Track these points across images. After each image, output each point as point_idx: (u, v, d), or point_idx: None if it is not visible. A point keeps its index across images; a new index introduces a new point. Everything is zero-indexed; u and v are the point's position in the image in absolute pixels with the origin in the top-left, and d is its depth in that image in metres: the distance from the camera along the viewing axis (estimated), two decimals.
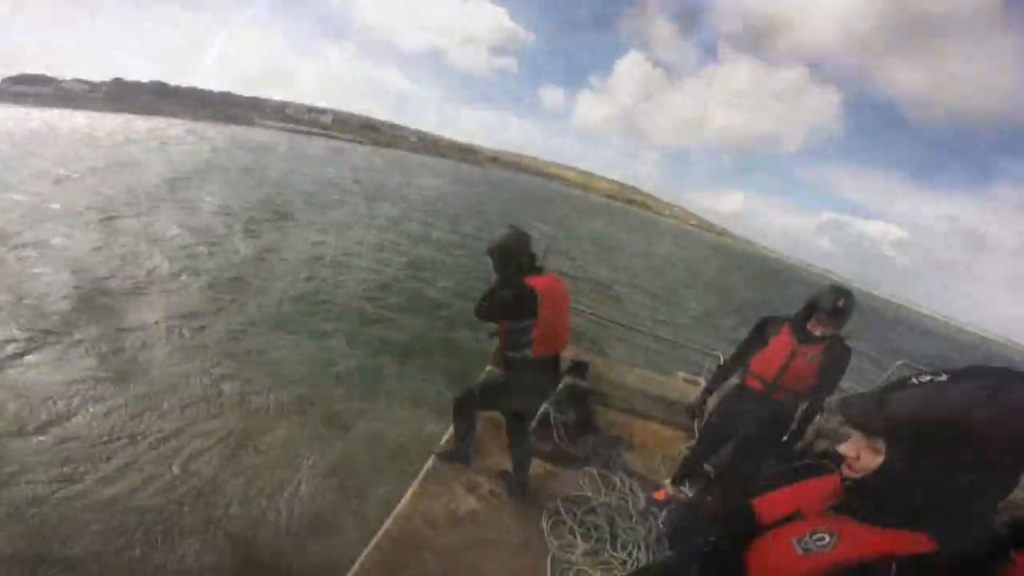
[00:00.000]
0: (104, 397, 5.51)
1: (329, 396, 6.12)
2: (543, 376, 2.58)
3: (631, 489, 3.20)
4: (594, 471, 3.30)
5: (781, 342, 2.46)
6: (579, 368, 3.82)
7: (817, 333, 2.35)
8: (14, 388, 5.32)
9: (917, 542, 0.77)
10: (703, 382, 4.86)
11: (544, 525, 2.69)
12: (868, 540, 0.82)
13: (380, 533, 2.45)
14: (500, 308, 2.36)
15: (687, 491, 3.26)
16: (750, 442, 2.69)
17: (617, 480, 3.26)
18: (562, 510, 2.80)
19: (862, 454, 0.87)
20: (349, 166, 44.38)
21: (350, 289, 11.45)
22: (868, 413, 0.85)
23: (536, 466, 3.18)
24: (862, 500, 0.87)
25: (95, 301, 7.88)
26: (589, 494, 3.04)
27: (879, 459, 0.83)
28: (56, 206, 13.29)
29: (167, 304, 8.24)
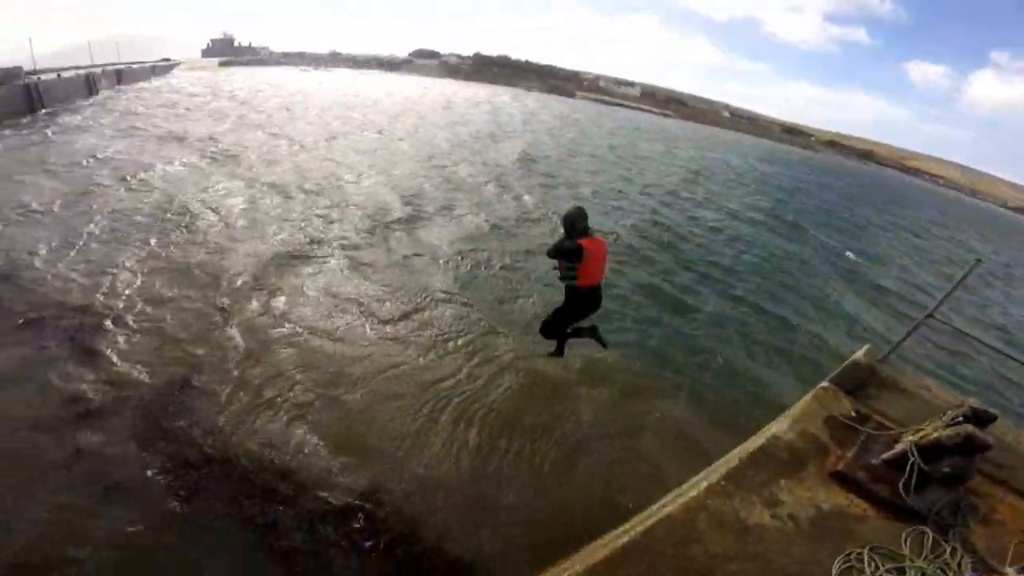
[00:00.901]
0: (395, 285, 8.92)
1: None
2: (588, 298, 4.27)
3: (959, 564, 2.69)
4: (927, 531, 2.84)
5: None
6: (981, 419, 3.15)
7: None
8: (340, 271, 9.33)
9: None
10: None
11: (835, 568, 2.50)
12: None
13: (661, 513, 2.59)
14: (560, 252, 3.98)
15: None
16: None
17: (948, 549, 2.77)
18: (865, 559, 2.58)
19: None
20: (658, 138, 44.78)
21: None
22: None
23: (854, 505, 2.96)
24: None
25: (403, 218, 12.43)
26: (905, 552, 2.69)
27: None
28: (406, 147, 21.32)
29: (456, 229, 12.25)
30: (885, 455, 3.09)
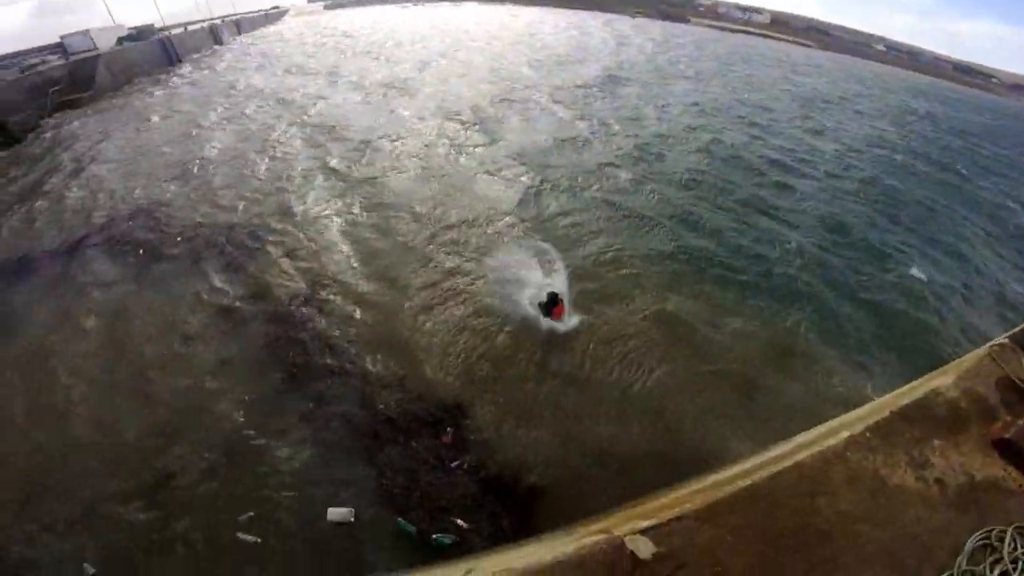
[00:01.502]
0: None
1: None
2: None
3: None
4: None
5: None
6: None
7: None
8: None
9: None
10: None
11: (969, 543, 2.27)
12: None
13: (792, 459, 2.50)
14: (542, 311, 7.40)
15: None
16: None
17: None
18: (1006, 538, 2.33)
19: None
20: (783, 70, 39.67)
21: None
22: None
23: (1011, 478, 2.64)
24: None
25: (483, 143, 13.39)
26: None
27: None
28: (490, 72, 23.05)
29: (531, 149, 13.09)
30: None
